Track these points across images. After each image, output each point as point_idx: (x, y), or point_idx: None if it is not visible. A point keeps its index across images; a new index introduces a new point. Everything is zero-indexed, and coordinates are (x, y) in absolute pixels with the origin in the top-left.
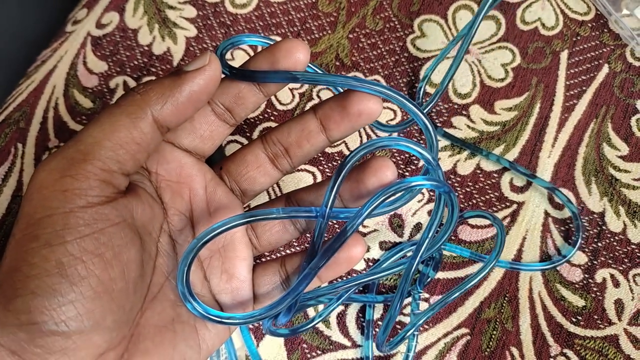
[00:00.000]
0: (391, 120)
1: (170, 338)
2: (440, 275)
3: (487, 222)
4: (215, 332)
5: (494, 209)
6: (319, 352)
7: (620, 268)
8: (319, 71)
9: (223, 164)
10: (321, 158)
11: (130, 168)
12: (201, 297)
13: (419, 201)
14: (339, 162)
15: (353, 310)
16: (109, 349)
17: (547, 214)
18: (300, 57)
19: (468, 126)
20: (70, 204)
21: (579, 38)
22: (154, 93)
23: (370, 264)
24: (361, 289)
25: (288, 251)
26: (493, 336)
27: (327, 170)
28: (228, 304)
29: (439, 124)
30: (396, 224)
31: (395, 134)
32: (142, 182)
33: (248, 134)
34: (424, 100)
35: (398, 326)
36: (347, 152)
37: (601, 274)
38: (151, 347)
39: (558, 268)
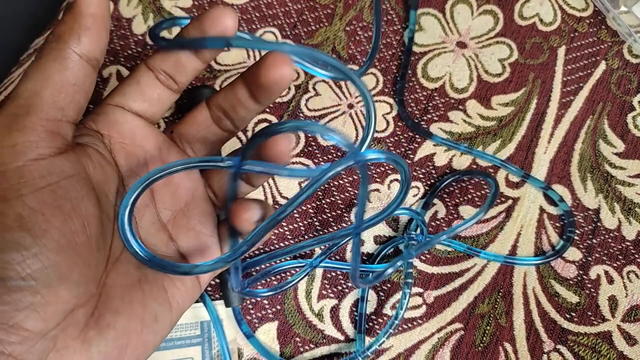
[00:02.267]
0: (387, 114)
1: (139, 297)
2: (435, 270)
3: (482, 217)
4: (184, 290)
5: None
6: (312, 345)
7: (615, 265)
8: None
9: (173, 127)
10: (316, 151)
11: (72, 113)
12: (168, 259)
13: (413, 195)
14: (334, 155)
15: (347, 304)
16: (78, 306)
17: (542, 209)
18: (228, 24)
19: (464, 121)
20: (22, 157)
21: (576, 34)
22: (65, 34)
23: (365, 258)
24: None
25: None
26: (487, 331)
27: (322, 162)
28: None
29: (435, 118)
30: (391, 218)
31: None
32: (94, 144)
33: None
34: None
35: (385, 318)
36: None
37: (595, 271)
38: (121, 305)
39: (552, 264)
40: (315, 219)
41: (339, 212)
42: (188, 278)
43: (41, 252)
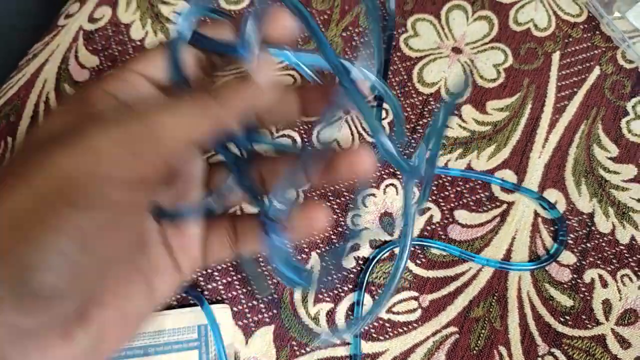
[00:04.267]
0: (383, 119)
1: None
2: (431, 273)
3: (477, 221)
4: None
5: (484, 208)
6: (307, 349)
7: (609, 269)
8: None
9: None
10: None
11: None
12: None
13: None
14: None
15: (343, 307)
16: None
17: (536, 214)
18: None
19: (460, 126)
20: None
21: (570, 40)
22: None
23: (361, 262)
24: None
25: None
26: (481, 335)
27: None
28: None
29: (430, 122)
30: (386, 222)
31: None
32: None
33: None
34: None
35: (381, 321)
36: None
37: (590, 275)
38: None
39: (547, 268)
40: None
41: (334, 216)
42: (170, 266)
43: None
